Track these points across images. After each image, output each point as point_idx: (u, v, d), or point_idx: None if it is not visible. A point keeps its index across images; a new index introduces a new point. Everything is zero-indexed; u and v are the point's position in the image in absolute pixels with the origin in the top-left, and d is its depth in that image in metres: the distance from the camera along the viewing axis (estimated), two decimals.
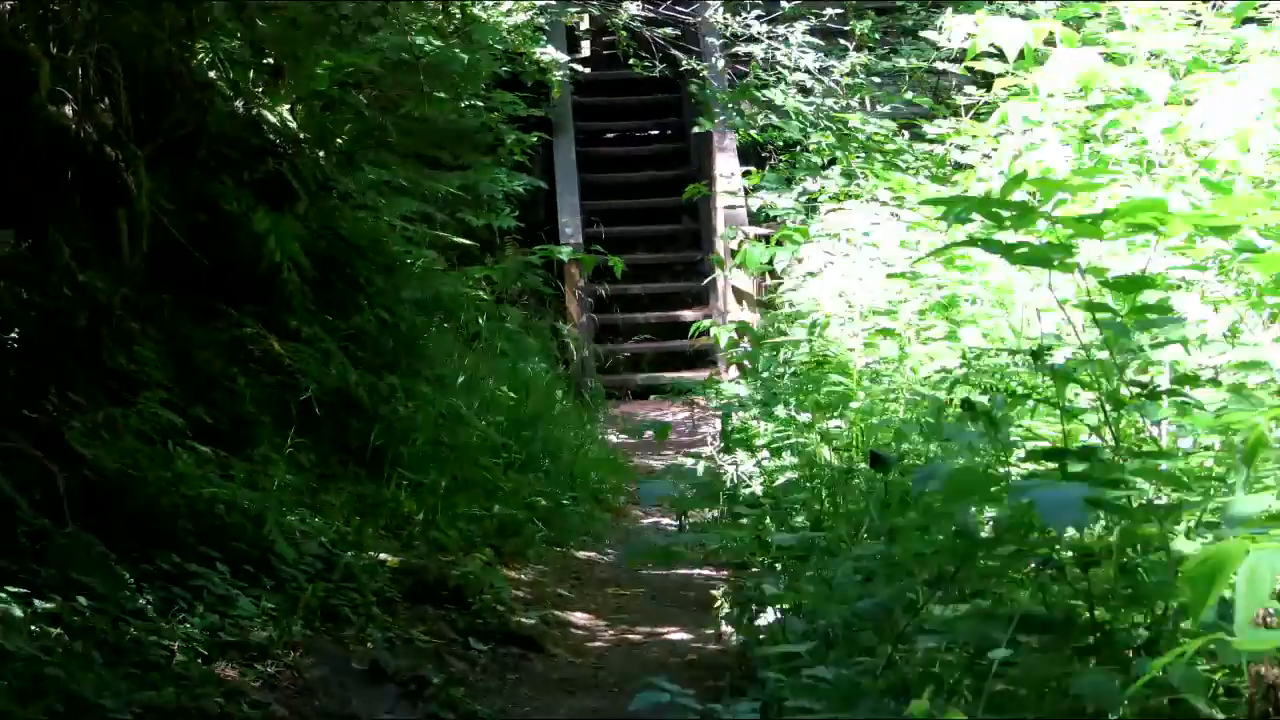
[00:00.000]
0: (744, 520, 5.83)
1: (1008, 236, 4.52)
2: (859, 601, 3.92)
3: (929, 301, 6.47)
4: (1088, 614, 3.88)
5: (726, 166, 15.46)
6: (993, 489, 3.64)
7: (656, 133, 18.12)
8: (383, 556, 6.27)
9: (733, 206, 15.13)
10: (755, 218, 15.54)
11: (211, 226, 7.68)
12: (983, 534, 3.88)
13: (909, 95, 10.87)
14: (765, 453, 6.57)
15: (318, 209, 8.46)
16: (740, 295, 14.53)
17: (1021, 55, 6.52)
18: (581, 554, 7.88)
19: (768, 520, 5.85)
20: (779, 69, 12.53)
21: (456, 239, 11.48)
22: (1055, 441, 4.53)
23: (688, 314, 16.47)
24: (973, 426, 4.16)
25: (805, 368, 7.42)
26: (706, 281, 15.83)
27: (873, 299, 6.78)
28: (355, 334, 7.65)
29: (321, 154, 9.25)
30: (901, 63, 11.43)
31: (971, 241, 4.50)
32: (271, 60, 8.82)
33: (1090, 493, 3.35)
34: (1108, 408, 4.38)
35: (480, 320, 9.55)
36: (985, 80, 12.12)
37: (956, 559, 3.76)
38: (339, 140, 9.41)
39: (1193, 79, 6.50)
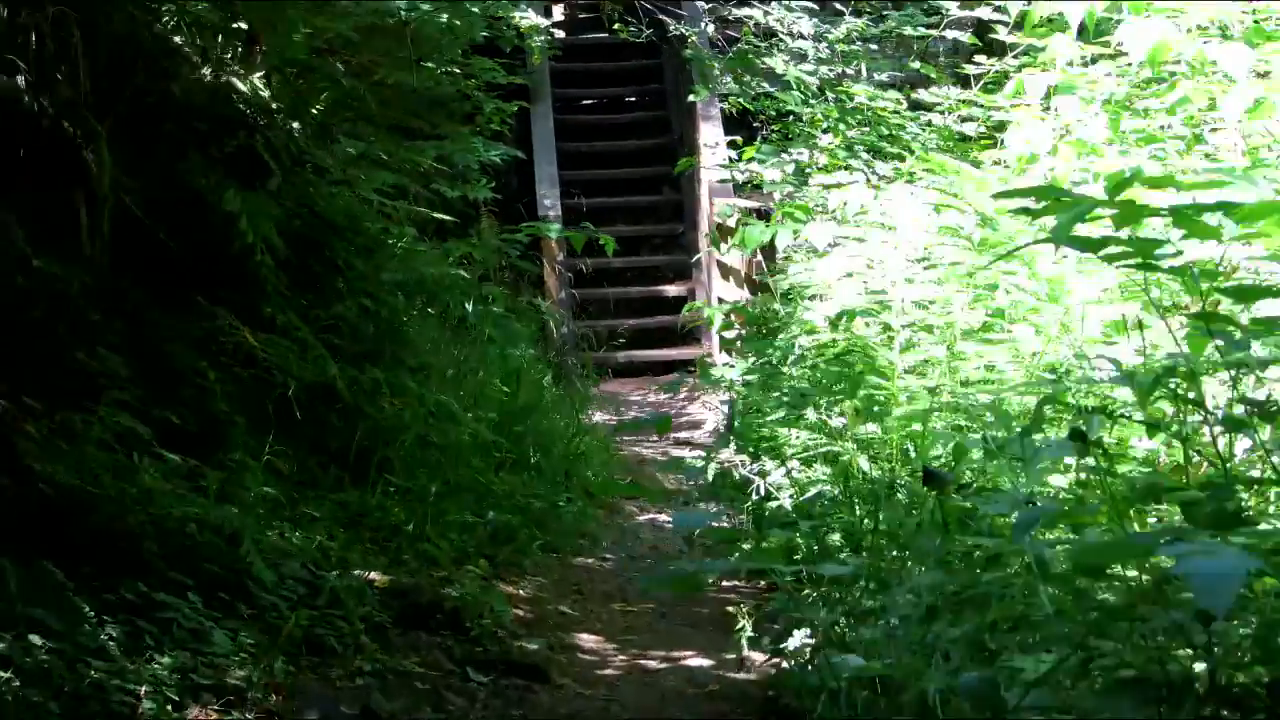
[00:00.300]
0: (774, 540, 5.24)
1: (1086, 229, 3.95)
2: (960, 676, 3.34)
3: (969, 293, 5.90)
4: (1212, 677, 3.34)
5: (711, 135, 14.87)
6: (1136, 555, 3.08)
7: (636, 100, 17.51)
8: (371, 576, 5.67)
9: (721, 180, 14.55)
10: (740, 189, 15.01)
11: (178, 206, 7.05)
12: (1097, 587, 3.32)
13: (915, 64, 10.28)
14: (793, 463, 5.97)
15: (291, 185, 7.83)
16: (726, 270, 13.94)
17: (1082, 27, 5.94)
18: (579, 560, 7.31)
19: (798, 538, 5.27)
20: (774, 35, 11.92)
21: (434, 214, 10.84)
22: (1161, 469, 3.97)
23: (670, 289, 15.89)
24: (1073, 455, 3.59)
25: (825, 361, 6.84)
26: (695, 259, 15.23)
27: (907, 289, 6.19)
28: (334, 322, 7.03)
29: (295, 125, 8.61)
30: (908, 29, 10.82)
31: (1061, 239, 3.92)
32: (244, 25, 8.17)
33: (1253, 565, 2.78)
34: (1216, 430, 3.83)
35: (466, 304, 8.93)
36: (992, 47, 11.58)
37: (1081, 623, 3.19)
38: (314, 111, 8.77)
39: (1266, 49, 5.93)
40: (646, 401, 14.48)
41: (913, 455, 5.35)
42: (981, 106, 10.08)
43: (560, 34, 14.74)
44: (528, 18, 13.10)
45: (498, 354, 8.60)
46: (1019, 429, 4.79)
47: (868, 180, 10.64)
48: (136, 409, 5.89)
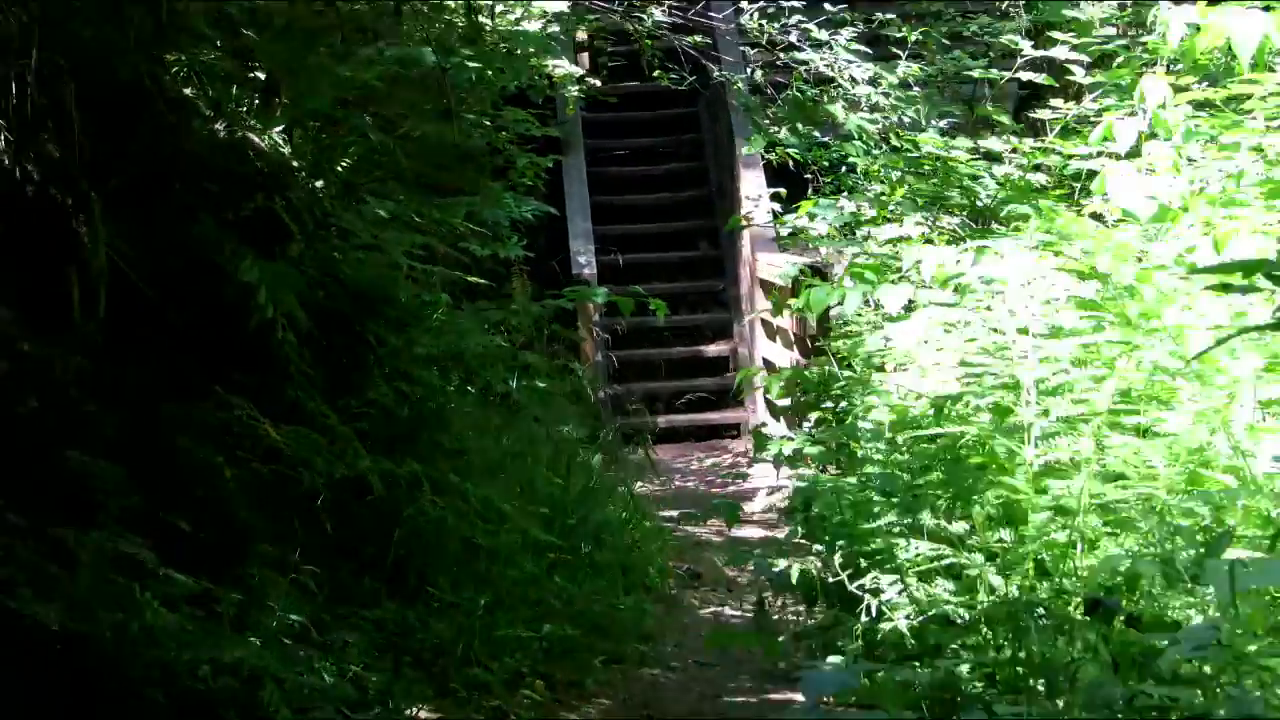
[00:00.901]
0: (887, 671, 4.39)
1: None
2: None
3: (1113, 377, 5.05)
4: None
5: (753, 187, 14.07)
6: None
7: (672, 150, 16.72)
8: (417, 714, 4.83)
9: (768, 235, 13.75)
10: (783, 242, 14.23)
11: (188, 278, 6.26)
12: None
13: (988, 108, 9.47)
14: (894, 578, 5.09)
15: (315, 252, 7.03)
16: (773, 330, 13.12)
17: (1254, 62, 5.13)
18: (644, 672, 6.46)
19: (919, 668, 4.42)
20: (827, 81, 11.14)
21: (465, 276, 10.03)
22: None
23: (710, 349, 15.09)
24: None
25: (919, 445, 6.01)
26: (740, 318, 14.40)
27: (1037, 368, 5.35)
28: (365, 409, 6.22)
29: (319, 184, 7.81)
30: (976, 72, 10.00)
31: None
32: (260, 74, 7.39)
33: None
34: None
35: (507, 378, 8.11)
36: (1066, 90, 10.79)
37: None
38: (339, 168, 7.98)
39: None
40: (691, 470, 13.65)
41: (1060, 575, 4.51)
42: (1059, 154, 9.27)
43: (595, 82, 13.93)
44: (561, 66, 12.33)
45: (544, 434, 7.77)
46: (1187, 541, 3.95)
47: (930, 231, 9.85)
48: (140, 516, 5.08)
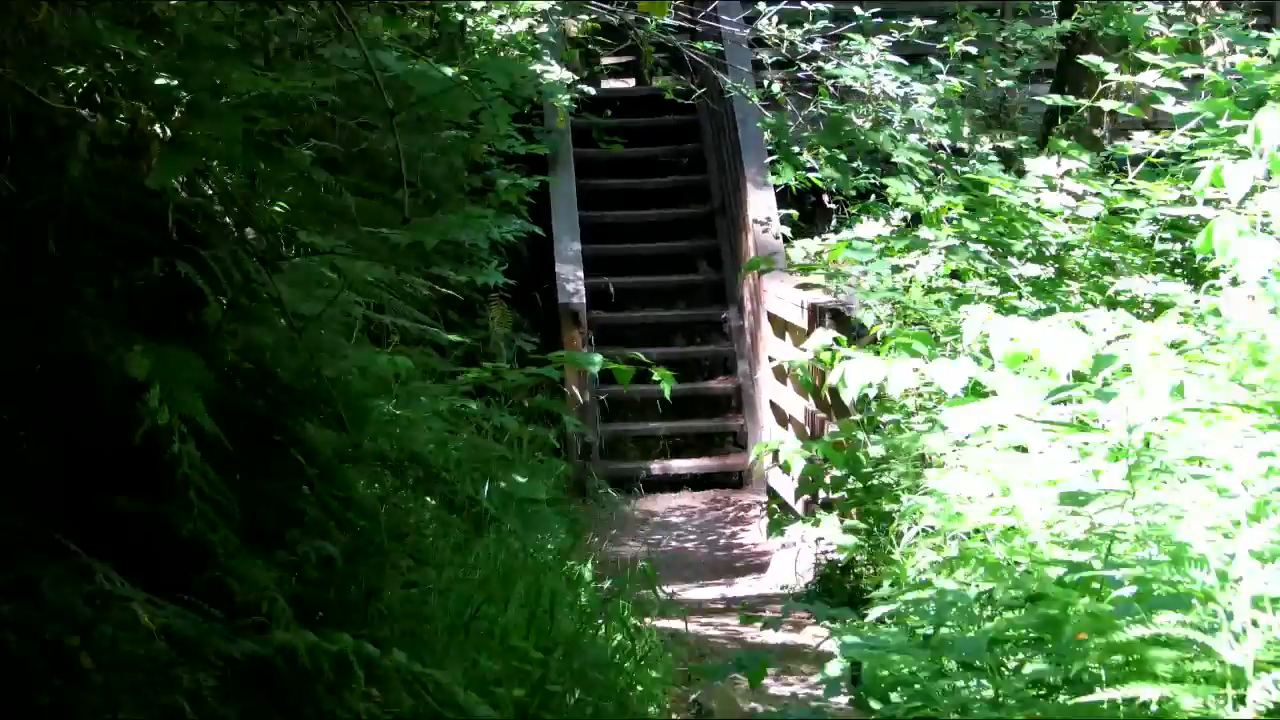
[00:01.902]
0: None
1: None
2: None
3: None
4: None
5: (761, 208, 12.57)
6: None
7: (670, 162, 15.18)
8: None
9: (777, 262, 12.24)
10: (798, 268, 12.76)
11: (52, 375, 4.73)
12: None
13: (1062, 143, 7.90)
14: None
15: (233, 329, 5.48)
16: (783, 372, 11.62)
17: None
18: None
19: None
20: (855, 95, 9.62)
21: (427, 326, 8.43)
22: None
23: (712, 385, 13.56)
24: None
25: (1028, 603, 4.49)
26: (750, 355, 12.86)
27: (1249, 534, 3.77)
28: (293, 559, 4.68)
29: (250, 234, 6.26)
30: (1043, 99, 8.42)
31: None
32: (168, 95, 5.84)
33: None
34: None
35: (478, 485, 6.55)
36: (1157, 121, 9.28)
37: None
38: (275, 209, 6.43)
39: None
40: (691, 526, 12.14)
41: None
42: (1143, 196, 7.75)
43: (589, 90, 12.38)
44: (551, 71, 10.78)
45: (522, 558, 6.23)
46: None
47: (987, 283, 8.34)
48: None
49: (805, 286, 9.89)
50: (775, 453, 10.49)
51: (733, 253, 13.67)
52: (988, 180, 7.44)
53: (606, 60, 15.92)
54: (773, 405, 12.16)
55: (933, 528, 6.71)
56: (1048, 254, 7.75)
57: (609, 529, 11.70)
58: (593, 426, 12.52)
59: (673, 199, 14.68)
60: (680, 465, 12.98)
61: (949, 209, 7.49)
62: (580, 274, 12.52)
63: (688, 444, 13.27)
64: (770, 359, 12.17)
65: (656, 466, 12.92)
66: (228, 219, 6.13)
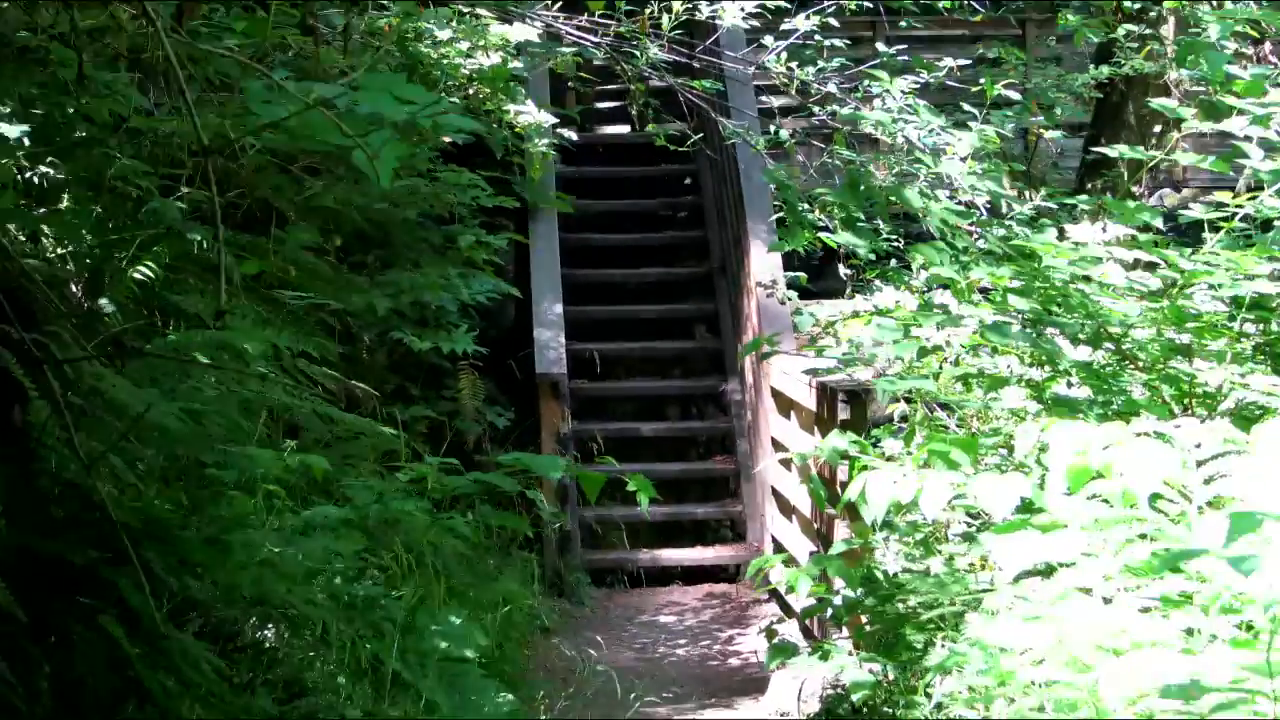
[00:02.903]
0: None
1: None
2: None
3: None
4: None
5: (765, 268, 11.22)
6: None
7: (666, 215, 13.81)
8: None
9: (783, 332, 10.86)
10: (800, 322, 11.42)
11: None
12: None
13: (1135, 207, 6.45)
14: None
15: (64, 433, 4.14)
16: (789, 460, 10.22)
17: None
18: None
19: None
20: (873, 143, 8.26)
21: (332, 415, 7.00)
22: None
23: (711, 465, 12.13)
24: None
25: None
26: (750, 434, 11.46)
27: None
28: None
29: (104, 305, 4.94)
30: (1124, 150, 6.99)
31: None
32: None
33: None
34: None
35: (385, 637, 5.10)
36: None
37: None
38: (141, 273, 5.10)
39: None
40: (681, 629, 10.71)
41: None
42: (1225, 269, 6.36)
43: (570, 134, 11.01)
44: (526, 113, 9.41)
45: None
46: None
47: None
48: None
49: (814, 369, 8.55)
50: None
51: (733, 317, 12.30)
52: (1038, 248, 6.05)
53: (599, 103, 14.59)
54: (775, 493, 10.78)
55: (972, 689, 5.33)
56: (1104, 334, 6.36)
57: (589, 631, 10.32)
58: (572, 512, 11.12)
59: (669, 256, 13.31)
60: (672, 555, 11.57)
61: (992, 283, 6.11)
62: (561, 340, 11.14)
63: (681, 530, 11.87)
64: (774, 440, 10.79)
65: (645, 556, 11.51)
66: (74, 287, 4.77)
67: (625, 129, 14.41)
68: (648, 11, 8.57)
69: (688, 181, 13.57)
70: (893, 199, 6.43)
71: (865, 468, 5.70)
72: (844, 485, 8.40)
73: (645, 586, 11.45)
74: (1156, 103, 6.58)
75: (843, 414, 8.86)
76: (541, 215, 11.76)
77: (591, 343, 12.48)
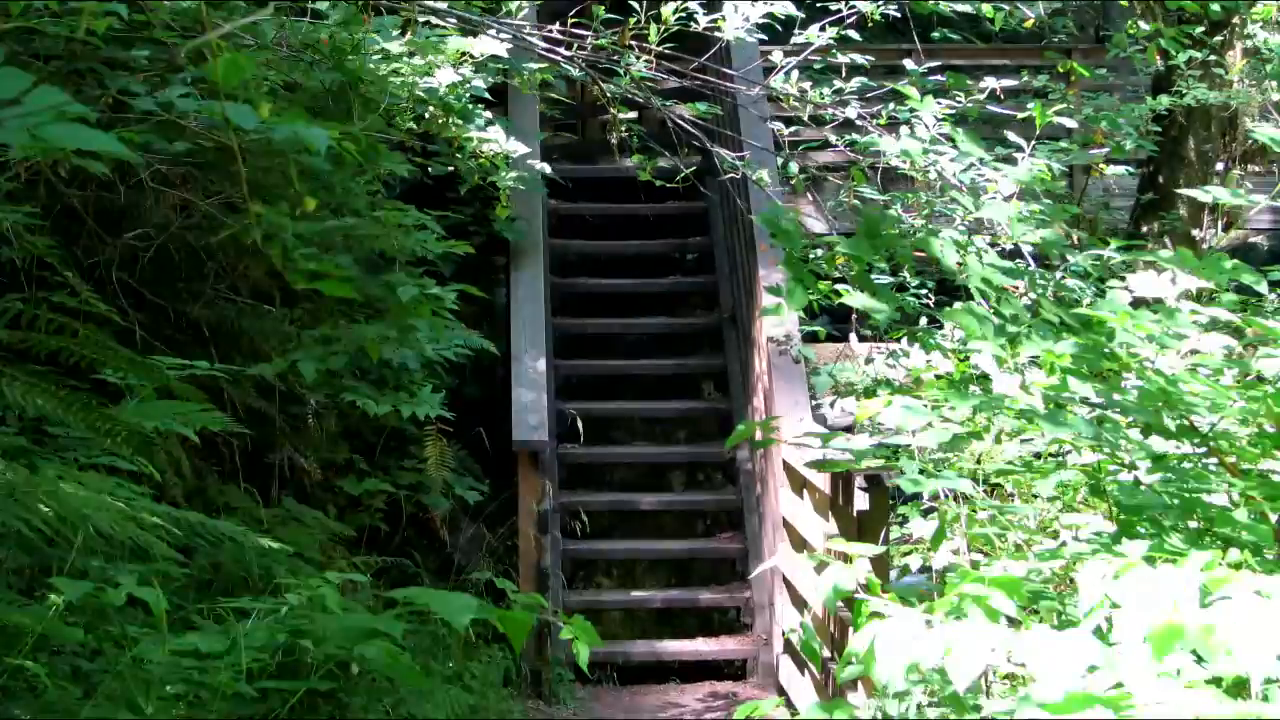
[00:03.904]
0: None
1: None
2: None
3: None
4: None
5: (777, 321, 9.78)
6: None
7: (671, 258, 12.37)
8: None
9: (794, 395, 9.41)
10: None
11: None
12: None
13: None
14: None
15: None
16: (800, 540, 8.77)
17: None
18: None
19: None
20: (904, 179, 6.82)
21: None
22: None
23: (713, 545, 10.64)
24: None
25: None
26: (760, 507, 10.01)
27: None
28: None
29: None
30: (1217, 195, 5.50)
31: None
32: None
33: None
34: None
35: None
36: None
37: None
38: None
39: None
40: None
41: None
42: None
43: (541, 167, 9.59)
44: (492, 141, 7.97)
45: None
46: None
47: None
48: None
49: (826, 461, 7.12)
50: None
51: (743, 375, 10.85)
52: (1107, 317, 4.60)
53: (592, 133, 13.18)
54: (787, 583, 9.32)
55: None
56: (1189, 428, 4.92)
57: None
58: (554, 597, 9.67)
59: (674, 305, 11.85)
60: (671, 649, 10.09)
61: (1049, 361, 4.65)
62: (544, 401, 9.69)
63: (682, 615, 10.40)
64: (785, 521, 9.34)
65: (641, 648, 10.04)
66: None
67: (629, 161, 13.00)
68: (631, 20, 7.15)
69: (696, 221, 12.13)
70: (919, 249, 4.98)
71: (876, 616, 4.26)
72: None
73: (638, 684, 9.98)
74: (1262, 132, 5.10)
75: (860, 502, 7.43)
76: (525, 258, 10.34)
77: (585, 402, 11.06)
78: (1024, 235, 5.07)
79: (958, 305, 4.98)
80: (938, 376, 7.96)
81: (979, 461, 7.40)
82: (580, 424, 10.77)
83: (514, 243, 10.27)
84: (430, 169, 8.83)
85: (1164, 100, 11.92)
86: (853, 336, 10.25)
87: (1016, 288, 4.90)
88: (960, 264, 4.82)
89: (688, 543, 10.61)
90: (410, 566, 9.38)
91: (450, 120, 7.29)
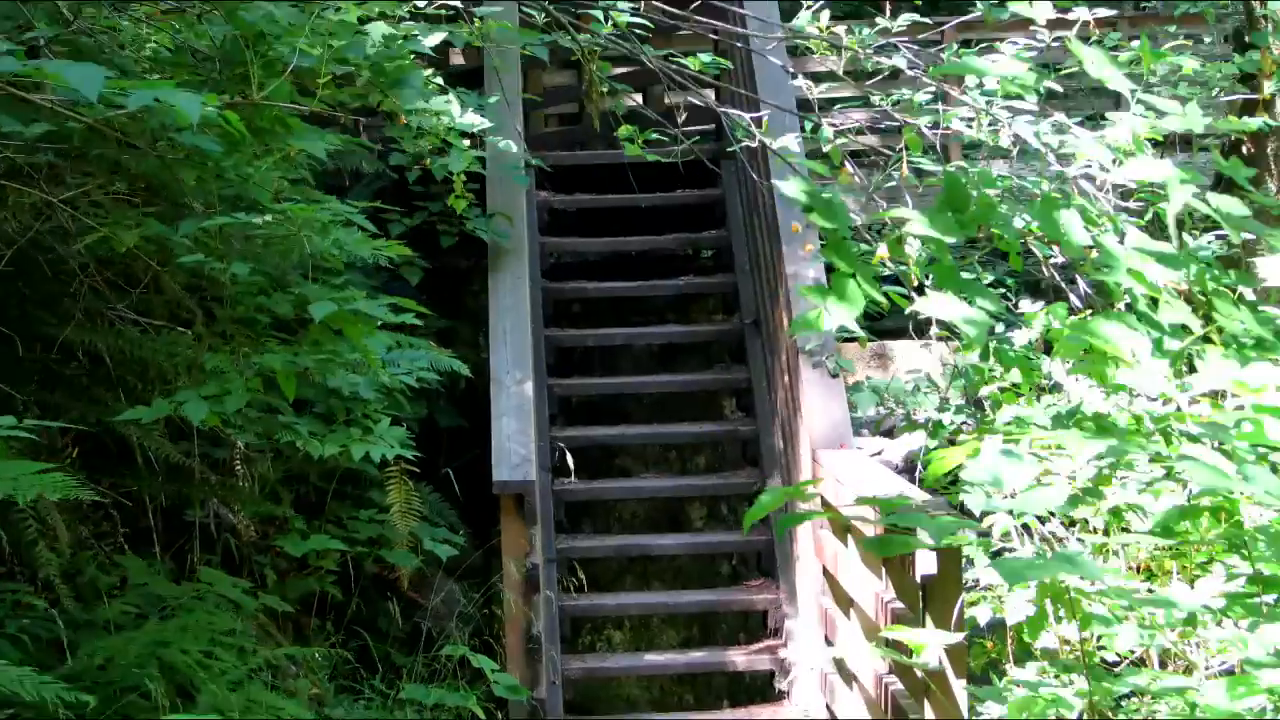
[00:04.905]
0: None
1: None
2: None
3: None
4: None
5: (817, 338, 8.12)
6: None
7: (683, 257, 10.66)
8: None
9: (833, 419, 7.76)
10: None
11: None
12: None
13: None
14: None
15: None
16: (846, 599, 7.09)
17: None
18: None
19: None
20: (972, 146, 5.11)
21: None
22: None
23: (743, 596, 8.91)
24: None
25: None
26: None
27: None
28: None
29: None
30: None
31: None
32: None
33: None
34: None
35: None
36: None
37: None
38: None
39: None
40: None
41: None
42: None
43: (510, 147, 7.90)
44: (444, 114, 6.27)
45: None
46: None
47: None
48: None
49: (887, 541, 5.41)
50: None
51: (770, 390, 9.16)
52: None
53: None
54: (828, 640, 7.66)
55: None
56: None
57: None
58: (551, 668, 7.99)
59: (686, 310, 10.13)
60: None
61: (1238, 392, 2.97)
62: (531, 430, 8.00)
63: (706, 677, 8.73)
64: (826, 571, 7.67)
65: None
66: None
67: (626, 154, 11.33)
68: None
69: (712, 212, 10.42)
70: (1035, 229, 3.28)
71: None
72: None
73: None
74: None
75: (925, 564, 5.71)
76: (506, 260, 8.64)
77: (585, 428, 9.40)
78: (1179, 201, 3.33)
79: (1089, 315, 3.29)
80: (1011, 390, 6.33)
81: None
82: (577, 455, 9.11)
83: (492, 243, 8.59)
84: (390, 160, 7.18)
85: (1255, 56, 10.20)
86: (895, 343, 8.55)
87: (1179, 285, 3.21)
88: (1093, 246, 3.13)
89: (711, 593, 8.91)
90: (372, 639, 7.72)
91: (384, 87, 5.60)
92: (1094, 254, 3.28)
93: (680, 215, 10.43)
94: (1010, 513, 3.97)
